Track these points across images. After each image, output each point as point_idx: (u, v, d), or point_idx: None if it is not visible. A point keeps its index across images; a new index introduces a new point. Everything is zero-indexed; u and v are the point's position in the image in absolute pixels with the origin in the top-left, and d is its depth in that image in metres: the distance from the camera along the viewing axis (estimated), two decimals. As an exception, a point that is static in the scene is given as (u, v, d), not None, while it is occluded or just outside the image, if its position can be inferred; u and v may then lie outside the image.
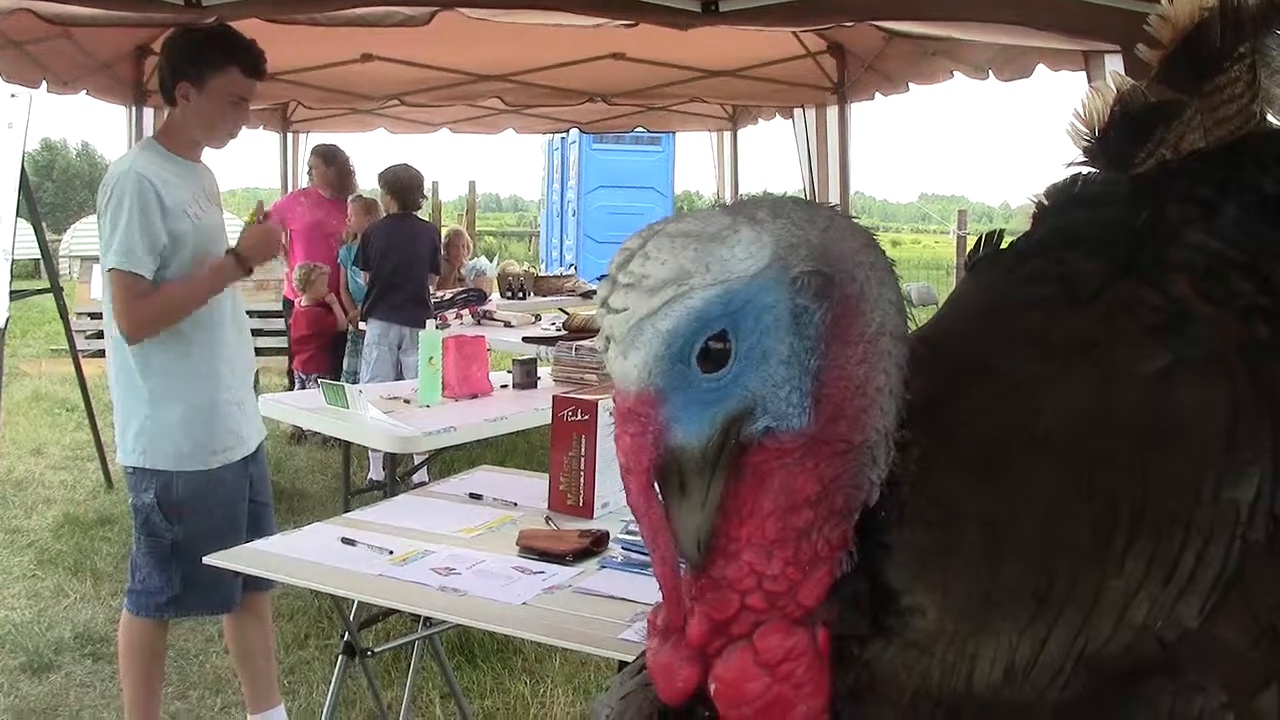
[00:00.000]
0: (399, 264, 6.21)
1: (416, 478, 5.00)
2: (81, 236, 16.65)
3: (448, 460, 5.73)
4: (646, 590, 2.23)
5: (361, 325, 6.48)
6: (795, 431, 0.77)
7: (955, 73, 5.59)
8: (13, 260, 6.17)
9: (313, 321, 6.89)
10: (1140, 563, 0.77)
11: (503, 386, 4.74)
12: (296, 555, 2.58)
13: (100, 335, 5.32)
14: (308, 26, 5.56)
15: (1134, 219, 0.92)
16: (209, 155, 3.18)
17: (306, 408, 4.49)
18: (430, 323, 4.89)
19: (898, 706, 0.78)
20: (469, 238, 9.31)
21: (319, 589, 2.64)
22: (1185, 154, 0.97)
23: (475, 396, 4.51)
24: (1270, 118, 0.97)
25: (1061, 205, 1.01)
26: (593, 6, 4.10)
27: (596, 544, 2.58)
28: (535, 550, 2.56)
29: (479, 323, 6.78)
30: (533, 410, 4.31)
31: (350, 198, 7.10)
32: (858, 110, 6.98)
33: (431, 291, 6.58)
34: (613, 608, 2.24)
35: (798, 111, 7.55)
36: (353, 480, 5.37)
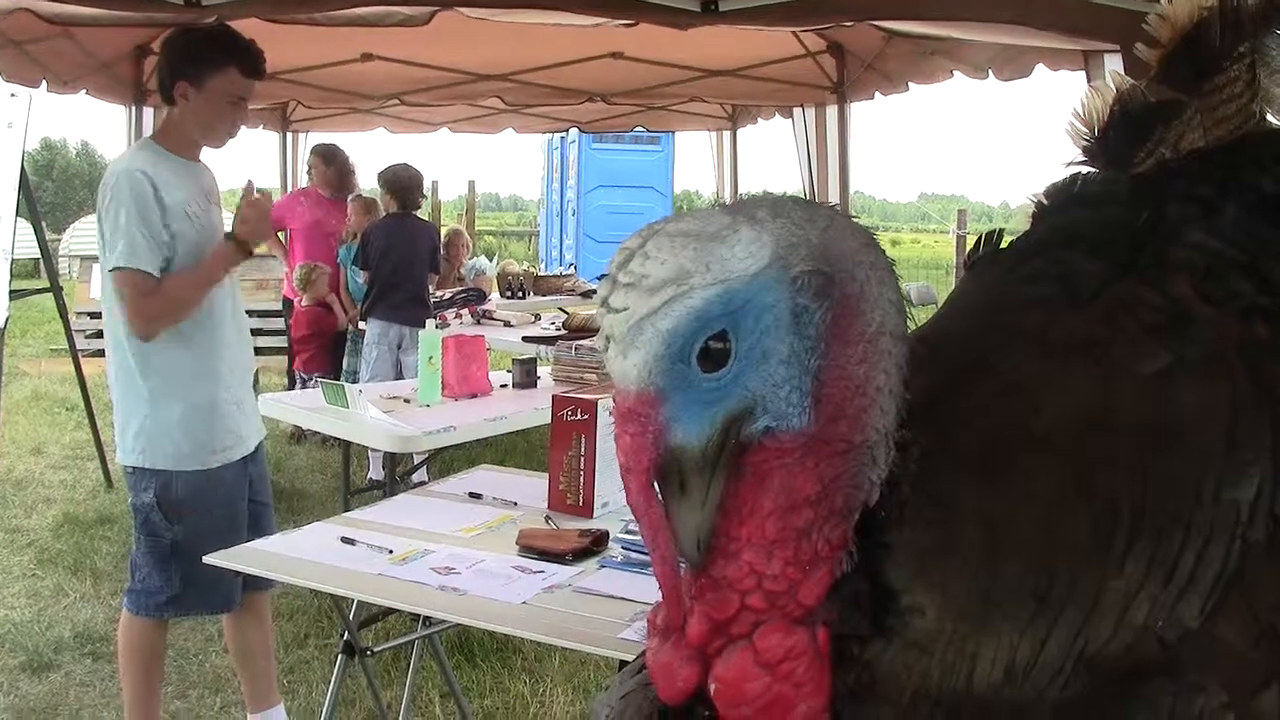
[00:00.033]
0: (398, 263, 6.21)
1: (416, 477, 5.00)
2: (81, 236, 16.64)
3: (447, 460, 5.73)
4: (646, 590, 2.23)
5: (361, 325, 6.48)
6: (795, 431, 0.77)
7: (955, 72, 5.59)
8: (12, 260, 6.17)
9: (313, 321, 6.88)
10: (1140, 563, 0.77)
11: (502, 386, 4.74)
12: (296, 555, 2.58)
13: (100, 335, 5.32)
14: (307, 26, 5.56)
15: (1134, 218, 0.92)
16: (209, 155, 3.19)
17: (306, 407, 4.49)
18: (430, 322, 4.89)
19: (898, 706, 0.78)
20: (468, 237, 9.30)
21: (319, 588, 2.64)
22: (1185, 153, 0.97)
23: (475, 396, 4.50)
24: (1270, 117, 0.97)
25: (1061, 205, 1.01)
26: (592, 6, 4.10)
27: (596, 543, 2.58)
28: (535, 550, 2.56)
29: (479, 322, 6.78)
30: (532, 410, 4.31)
31: (350, 197, 7.09)
32: (857, 110, 7.00)
33: (431, 291, 6.58)
34: (612, 607, 2.24)
35: (797, 111, 7.55)
36: (352, 480, 5.37)
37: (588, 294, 8.24)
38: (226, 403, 3.06)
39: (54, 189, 28.36)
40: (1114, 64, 3.77)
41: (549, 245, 18.40)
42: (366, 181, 7.78)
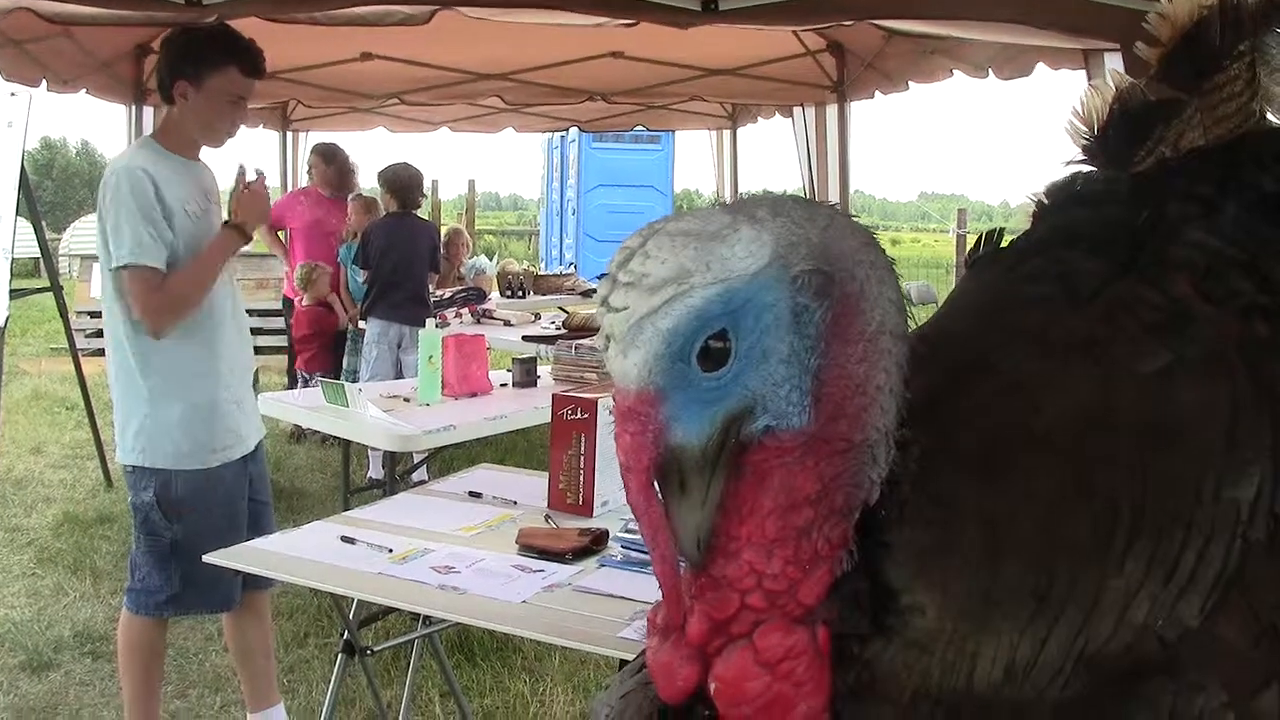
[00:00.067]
0: (398, 263, 6.21)
1: (416, 476, 5.00)
2: (81, 235, 16.64)
3: (447, 459, 5.73)
4: (646, 589, 2.23)
5: (361, 324, 6.48)
6: (795, 430, 0.77)
7: (955, 71, 5.59)
8: (12, 259, 6.16)
9: (314, 321, 6.88)
10: (1141, 562, 0.77)
11: (502, 385, 4.74)
12: (296, 554, 2.58)
13: (100, 334, 5.32)
14: (307, 25, 5.55)
15: (1134, 217, 0.92)
16: (209, 154, 3.19)
17: (306, 406, 4.49)
18: (430, 321, 4.89)
19: (898, 706, 0.78)
20: (468, 236, 9.30)
21: (318, 587, 2.64)
22: (1185, 152, 0.97)
23: (475, 395, 4.50)
24: (1270, 116, 0.97)
25: (1061, 204, 1.01)
26: (593, 6, 4.10)
27: (596, 542, 2.58)
28: (535, 549, 2.56)
29: (478, 321, 6.78)
30: (532, 409, 4.31)
31: (350, 196, 7.09)
32: (857, 109, 6.99)
33: (431, 290, 6.58)
34: (612, 606, 2.24)
35: (797, 110, 7.55)
36: (352, 479, 5.37)
37: (588, 293, 8.23)
38: (226, 402, 3.06)
39: (54, 188, 28.35)
40: (1114, 63, 3.77)
41: (549, 244, 18.41)
42: (367, 181, 7.79)
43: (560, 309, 7.80)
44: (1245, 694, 0.75)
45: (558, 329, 6.31)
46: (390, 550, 2.56)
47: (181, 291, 2.96)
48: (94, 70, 5.77)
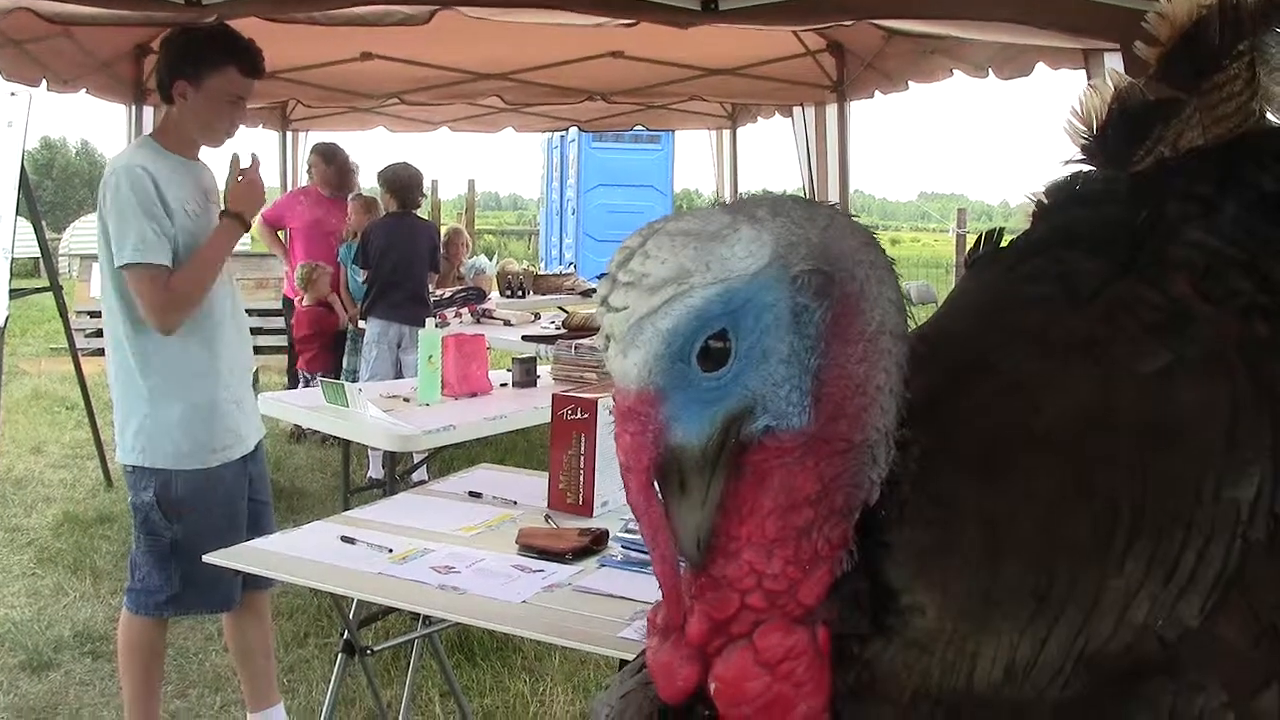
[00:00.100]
0: (398, 262, 6.21)
1: (416, 476, 5.00)
2: (81, 235, 16.63)
3: (447, 459, 5.73)
4: (646, 589, 2.23)
5: (361, 324, 6.48)
6: (795, 430, 0.77)
7: (955, 71, 5.59)
8: (12, 259, 6.16)
9: (315, 321, 6.89)
10: (1141, 562, 0.77)
11: (502, 385, 4.74)
12: (296, 554, 2.58)
13: (100, 334, 5.33)
14: (307, 25, 5.55)
15: (1133, 217, 0.92)
16: (209, 153, 3.19)
17: (306, 406, 4.48)
18: (430, 321, 4.88)
19: (898, 706, 0.77)
20: (468, 236, 9.30)
21: (318, 587, 2.64)
22: (1184, 152, 0.97)
23: (475, 395, 4.50)
24: (1269, 115, 0.97)
25: (1061, 204, 1.01)
26: (593, 5, 4.10)
27: (596, 542, 2.58)
28: (535, 548, 2.56)
29: (478, 321, 6.78)
30: (532, 409, 4.31)
31: (350, 196, 7.10)
32: (857, 108, 6.99)
33: (431, 290, 6.58)
34: (612, 606, 2.24)
35: (797, 110, 7.55)
36: (352, 478, 5.37)
37: (587, 293, 8.23)
38: (226, 402, 3.06)
39: (54, 188, 28.36)
40: (1114, 62, 3.77)
41: (549, 244, 18.42)
42: (367, 180, 7.80)
43: (560, 309, 7.80)
44: (1245, 694, 0.75)
45: (557, 329, 6.31)
46: (390, 550, 2.56)
47: (187, 287, 2.96)
48: (94, 70, 5.77)
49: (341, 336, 6.92)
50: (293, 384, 7.13)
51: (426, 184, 7.05)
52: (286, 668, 3.94)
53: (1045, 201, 1.02)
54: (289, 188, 8.72)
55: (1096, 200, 0.98)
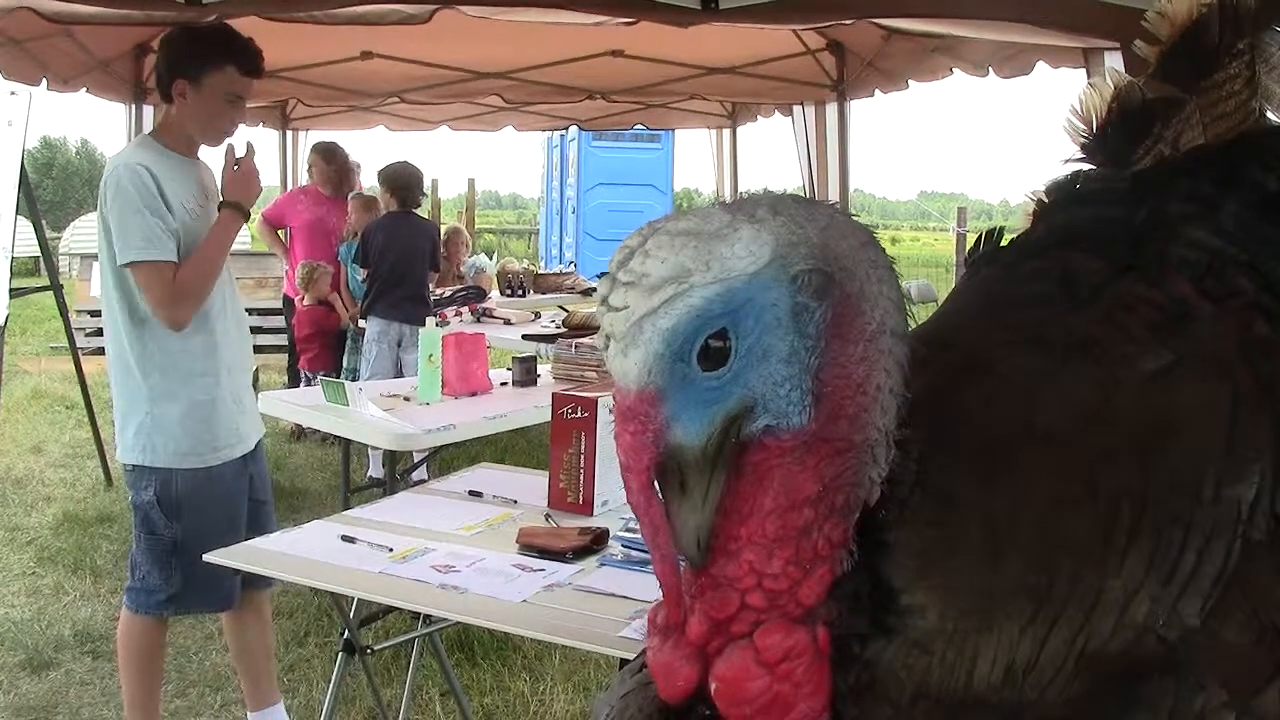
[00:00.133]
0: (398, 261, 6.20)
1: (416, 475, 4.99)
2: (81, 234, 16.62)
3: (447, 458, 5.73)
4: (646, 588, 2.23)
5: (361, 323, 6.48)
6: (796, 430, 0.77)
7: (955, 70, 5.58)
8: (12, 258, 6.16)
9: (316, 320, 6.89)
10: (1141, 561, 0.77)
11: (502, 384, 4.74)
12: (296, 553, 2.58)
13: (100, 333, 5.33)
14: (307, 24, 5.55)
15: (1134, 217, 0.92)
16: (208, 153, 3.19)
17: (306, 405, 4.48)
18: (430, 320, 4.88)
19: (898, 706, 0.77)
20: (468, 235, 9.30)
21: (319, 586, 2.64)
22: (1184, 151, 0.97)
23: (475, 394, 4.50)
24: (1269, 114, 0.97)
25: (1061, 203, 1.01)
26: (593, 5, 4.10)
27: (596, 541, 2.58)
28: (535, 548, 2.56)
29: (478, 320, 6.77)
30: (532, 408, 4.31)
31: (350, 195, 7.10)
32: (857, 108, 6.99)
33: (431, 289, 6.58)
34: (612, 605, 2.24)
35: (797, 109, 7.54)
36: (352, 478, 5.36)
37: (588, 292, 8.23)
38: (226, 400, 3.06)
39: (54, 187, 28.39)
40: (1114, 61, 3.77)
41: (549, 243, 18.42)
42: (367, 179, 7.80)
43: (560, 308, 7.80)
44: (1245, 694, 0.75)
45: (558, 328, 6.30)
46: (390, 549, 2.56)
47: (194, 281, 2.96)
48: (94, 69, 5.77)
49: (342, 336, 6.92)
50: (294, 384, 7.12)
51: (427, 183, 7.04)
52: (287, 667, 3.94)
53: (1045, 200, 1.02)
54: (289, 187, 8.72)
55: (1097, 199, 0.98)
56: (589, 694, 3.75)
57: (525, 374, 4.76)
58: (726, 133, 9.40)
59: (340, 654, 2.92)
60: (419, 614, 3.09)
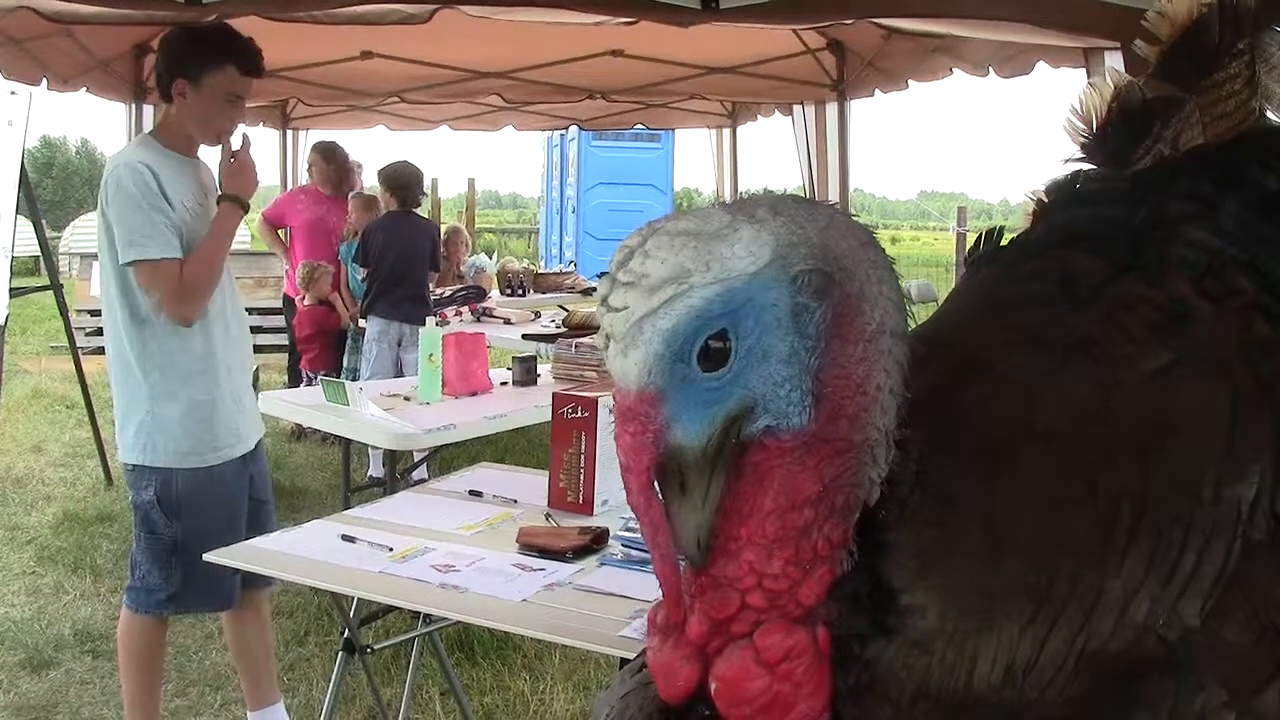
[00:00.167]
0: (398, 261, 6.20)
1: (416, 475, 4.99)
2: (81, 234, 16.61)
3: (447, 457, 5.72)
4: (646, 587, 2.23)
5: (361, 322, 6.48)
6: (796, 430, 0.77)
7: (955, 70, 5.59)
8: (12, 257, 6.17)
9: (317, 320, 6.89)
10: (1141, 561, 0.77)
11: (502, 384, 4.74)
12: (296, 552, 2.58)
13: (100, 332, 5.33)
14: (307, 24, 5.55)
15: (1134, 216, 0.92)
16: (207, 152, 3.19)
17: (306, 405, 4.48)
18: (430, 320, 4.89)
19: (898, 706, 0.77)
20: (468, 235, 9.30)
21: (319, 586, 2.64)
22: (1184, 150, 0.97)
23: (475, 394, 4.50)
24: (1269, 114, 0.96)
25: (1061, 203, 1.01)
26: (593, 4, 4.10)
27: (596, 541, 2.58)
28: (535, 547, 2.56)
29: (479, 320, 6.77)
30: (532, 407, 4.31)
31: (350, 194, 7.10)
32: (857, 107, 6.99)
33: (431, 288, 6.58)
34: (612, 605, 2.24)
35: (797, 108, 7.54)
36: (352, 477, 5.36)
37: (588, 291, 8.23)
38: (226, 400, 3.06)
39: (54, 187, 28.39)
40: (1114, 61, 3.77)
41: (549, 242, 18.43)
42: (367, 179, 7.80)
43: (560, 307, 7.80)
44: (1245, 694, 0.75)
45: (558, 327, 6.30)
46: (390, 549, 2.56)
47: (200, 275, 2.97)
48: (94, 69, 5.77)
49: (343, 335, 6.92)
50: (295, 383, 7.12)
51: (427, 182, 7.05)
52: (287, 666, 3.94)
53: (1045, 200, 1.02)
54: (289, 186, 8.73)
55: (1096, 199, 0.98)
56: (589, 693, 3.75)
57: (525, 374, 4.76)
58: (726, 132, 9.40)
59: (340, 653, 2.92)
60: (419, 613, 3.09)
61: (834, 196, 6.80)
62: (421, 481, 4.12)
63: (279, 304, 8.53)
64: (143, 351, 2.97)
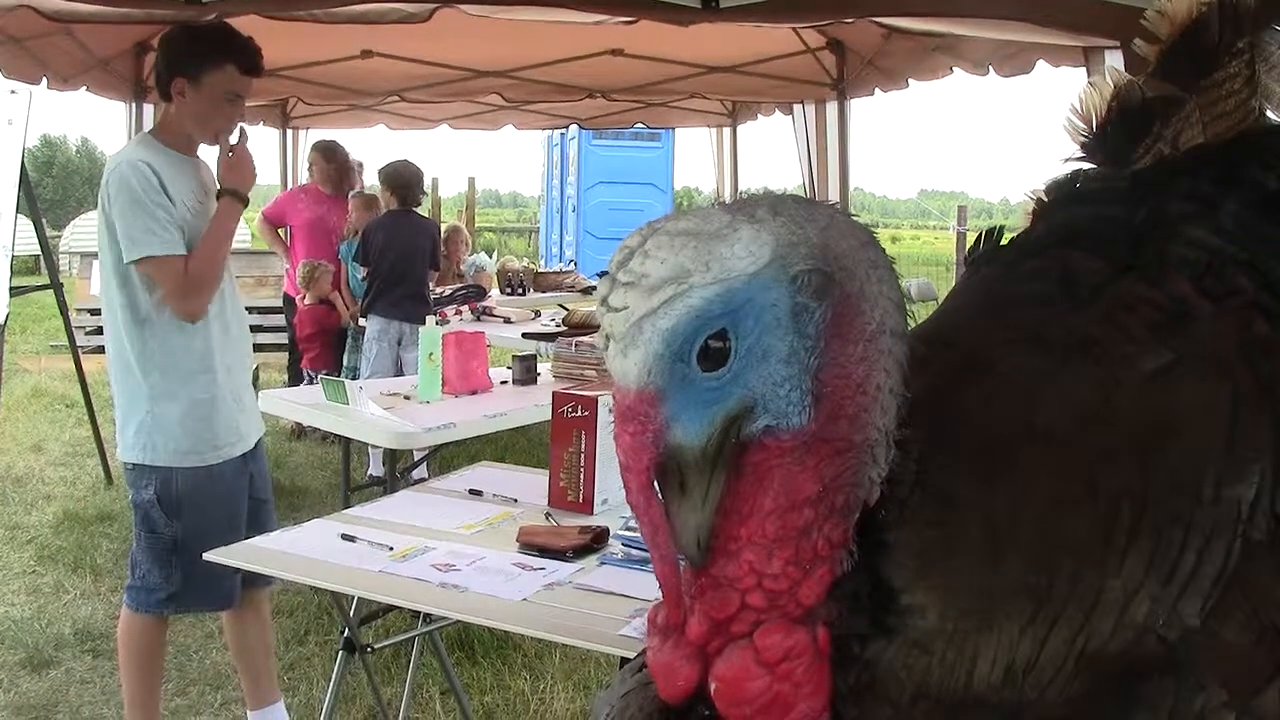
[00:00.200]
0: (398, 260, 6.20)
1: (416, 474, 5.00)
2: (81, 233, 16.61)
3: (447, 456, 5.72)
4: (646, 586, 2.23)
5: (361, 321, 6.48)
6: (795, 430, 0.77)
7: (955, 69, 5.58)
8: (13, 256, 6.16)
9: (317, 320, 6.89)
10: (1141, 561, 0.77)
11: (502, 382, 4.74)
12: (296, 551, 2.58)
13: (100, 331, 5.33)
14: (308, 23, 5.55)
15: (1134, 216, 0.92)
16: (207, 151, 3.18)
17: (306, 404, 4.48)
18: (430, 319, 4.89)
19: (898, 706, 0.77)
20: (468, 234, 9.30)
21: (319, 585, 2.64)
22: (1184, 150, 0.97)
23: (475, 392, 4.50)
24: (1269, 113, 0.96)
25: (1061, 202, 1.01)
26: (593, 3, 4.09)
27: (596, 540, 2.58)
28: (535, 546, 2.56)
29: (479, 319, 6.77)
30: (532, 406, 4.31)
31: (350, 193, 7.10)
32: (857, 106, 6.98)
33: (431, 287, 6.58)
34: (613, 604, 2.24)
35: (797, 108, 7.54)
36: (352, 476, 5.36)
37: (588, 290, 8.23)
38: (227, 399, 3.06)
39: (54, 186, 28.39)
40: (1114, 60, 3.77)
41: (549, 241, 18.43)
42: (367, 178, 7.79)
43: (560, 306, 7.80)
44: (1245, 694, 0.74)
45: (558, 326, 6.30)
46: (390, 548, 2.56)
47: (204, 271, 2.98)
48: (94, 68, 5.77)
49: (344, 334, 6.92)
50: (296, 383, 7.12)
51: (427, 181, 7.05)
52: (287, 665, 3.94)
53: (1045, 199, 1.02)
54: (289, 185, 8.73)
55: (1096, 198, 0.98)
56: (589, 692, 3.76)
57: (525, 372, 4.76)
58: (727, 131, 9.40)
59: (340, 652, 2.92)
60: (419, 612, 3.09)
61: (834, 196, 6.80)
62: (421, 480, 4.12)
63: (279, 303, 8.53)
64: (143, 351, 2.97)
